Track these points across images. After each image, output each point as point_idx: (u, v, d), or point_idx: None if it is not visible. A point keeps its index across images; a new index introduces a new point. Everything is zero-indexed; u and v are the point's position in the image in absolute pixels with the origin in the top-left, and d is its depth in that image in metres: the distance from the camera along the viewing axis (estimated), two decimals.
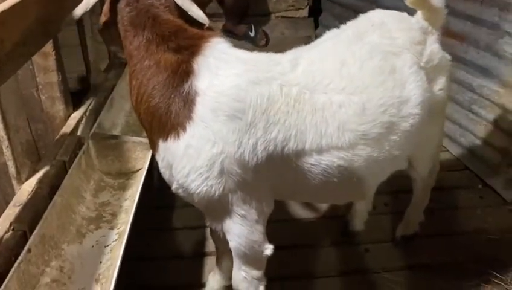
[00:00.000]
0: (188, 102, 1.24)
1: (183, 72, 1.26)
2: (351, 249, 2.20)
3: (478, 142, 2.63)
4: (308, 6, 4.34)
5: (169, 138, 1.28)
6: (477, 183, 2.59)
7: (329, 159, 1.35)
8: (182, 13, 1.34)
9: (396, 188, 2.39)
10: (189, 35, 1.29)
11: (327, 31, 1.66)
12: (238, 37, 4.03)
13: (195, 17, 1.33)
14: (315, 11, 4.35)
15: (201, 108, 1.24)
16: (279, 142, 1.29)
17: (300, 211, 2.40)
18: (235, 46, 1.36)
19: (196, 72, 1.26)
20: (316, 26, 4.31)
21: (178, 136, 1.26)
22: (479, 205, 2.44)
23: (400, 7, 1.71)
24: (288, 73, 1.33)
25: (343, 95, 1.35)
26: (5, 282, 1.17)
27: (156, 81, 1.27)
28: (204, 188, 1.28)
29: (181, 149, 1.26)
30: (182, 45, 1.27)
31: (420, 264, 2.09)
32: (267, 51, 1.46)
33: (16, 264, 1.24)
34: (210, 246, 2.17)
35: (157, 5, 1.32)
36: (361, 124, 1.35)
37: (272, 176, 1.35)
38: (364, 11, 1.71)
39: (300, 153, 1.32)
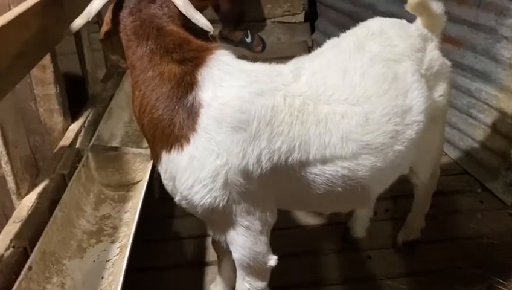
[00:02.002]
0: (192, 113, 1.23)
1: (187, 84, 1.25)
2: (352, 256, 2.19)
3: (477, 146, 2.64)
4: (304, 11, 4.34)
5: (172, 150, 1.27)
6: (476, 187, 2.59)
7: (333, 169, 1.34)
8: (185, 21, 1.34)
9: (396, 193, 2.38)
10: (194, 47, 1.29)
11: (324, 37, 1.65)
12: (234, 43, 4.02)
13: (199, 25, 1.32)
14: (311, 16, 4.35)
15: (205, 119, 1.23)
16: (283, 152, 1.28)
17: (300, 219, 2.38)
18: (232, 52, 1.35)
19: (200, 84, 1.25)
20: (312, 31, 4.31)
21: (182, 147, 1.25)
22: (479, 209, 2.43)
23: (395, 12, 1.71)
24: (291, 84, 1.32)
25: (345, 106, 1.34)
26: None
27: (159, 93, 1.26)
28: (208, 200, 1.27)
29: (185, 161, 1.25)
30: (187, 56, 1.27)
31: (422, 270, 2.08)
32: (264, 56, 1.46)
33: (17, 283, 1.22)
34: (211, 255, 2.15)
35: (161, 15, 1.31)
36: (364, 134, 1.35)
37: (276, 186, 1.35)
38: (360, 16, 1.71)
39: (304, 164, 1.32)
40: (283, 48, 4.09)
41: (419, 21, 1.63)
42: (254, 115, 1.24)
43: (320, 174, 1.34)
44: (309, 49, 4.05)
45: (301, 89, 1.32)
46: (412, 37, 1.56)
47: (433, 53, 1.59)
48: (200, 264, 2.15)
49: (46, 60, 1.68)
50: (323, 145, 1.31)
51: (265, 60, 1.41)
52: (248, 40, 4.08)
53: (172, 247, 2.26)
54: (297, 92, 1.31)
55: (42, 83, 1.72)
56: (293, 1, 4.27)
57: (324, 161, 1.33)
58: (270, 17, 4.34)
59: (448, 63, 1.68)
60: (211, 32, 1.35)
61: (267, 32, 4.30)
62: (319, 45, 1.63)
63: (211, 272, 2.08)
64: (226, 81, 1.26)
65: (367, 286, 2.04)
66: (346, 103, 1.35)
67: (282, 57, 3.88)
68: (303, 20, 4.37)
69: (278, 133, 1.26)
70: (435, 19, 1.63)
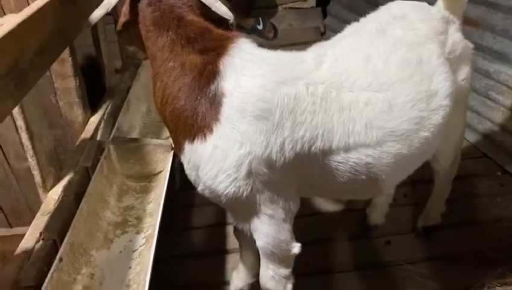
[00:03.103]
0: (215, 103, 1.23)
1: (209, 73, 1.24)
2: (372, 242, 2.19)
3: (496, 128, 2.60)
4: None
5: (195, 140, 1.27)
6: (496, 170, 2.56)
7: (357, 157, 1.34)
8: (205, 10, 1.33)
9: (415, 179, 2.37)
10: (215, 37, 1.28)
11: (336, 22, 1.63)
12: (246, 30, 3.99)
13: (219, 13, 1.32)
14: (322, 1, 4.29)
15: (228, 109, 1.23)
16: (307, 141, 1.28)
17: (319, 206, 2.39)
18: None
19: (222, 73, 1.24)
20: (324, 16, 4.26)
21: (205, 138, 1.25)
22: (499, 192, 2.41)
23: None
24: (313, 71, 1.31)
25: (369, 93, 1.33)
26: None
27: (181, 83, 1.26)
28: (232, 189, 1.27)
29: (208, 151, 1.25)
30: (208, 46, 1.26)
31: (443, 255, 2.08)
32: (276, 43, 1.45)
33: (49, 274, 1.24)
34: (231, 243, 2.17)
35: (180, 5, 1.30)
36: (388, 121, 1.34)
37: (299, 174, 1.34)
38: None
39: (327, 152, 1.31)
40: (295, 34, 4.05)
41: (440, 3, 1.61)
42: (277, 104, 1.23)
43: (344, 162, 1.34)
44: (321, 35, 4.01)
45: (323, 76, 1.31)
46: (434, 19, 1.54)
47: (455, 36, 1.57)
48: (221, 253, 2.17)
49: (65, 53, 1.68)
50: (347, 133, 1.30)
51: (277, 46, 1.39)
52: (260, 27, 4.04)
53: (193, 236, 2.29)
54: (320, 80, 1.30)
55: (62, 76, 1.73)
56: None
57: (348, 149, 1.32)
58: (281, 3, 4.29)
59: (471, 45, 1.65)
60: (231, 21, 1.34)
61: (279, 18, 4.26)
62: (332, 30, 1.61)
63: (232, 260, 2.10)
64: (248, 70, 1.25)
65: (387, 272, 2.04)
66: (370, 89, 1.33)
67: (295, 43, 3.88)
68: (314, 5, 4.31)
69: (300, 121, 1.26)
70: (456, 1, 1.61)
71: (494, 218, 2.24)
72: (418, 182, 2.41)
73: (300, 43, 3.76)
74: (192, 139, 1.28)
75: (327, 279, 2.02)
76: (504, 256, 1.98)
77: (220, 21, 1.35)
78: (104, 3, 1.36)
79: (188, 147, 1.30)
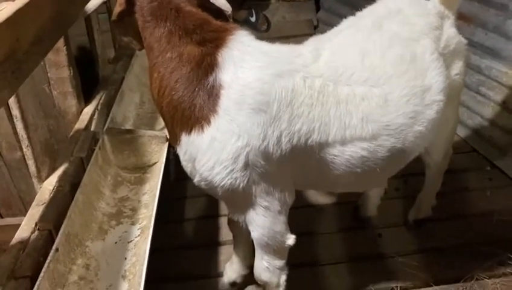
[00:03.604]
0: (213, 95, 1.24)
1: (207, 65, 1.24)
2: (364, 235, 2.21)
3: (486, 123, 2.64)
4: None
5: (193, 132, 1.27)
6: (485, 165, 2.59)
7: (353, 150, 1.35)
8: (202, 1, 1.33)
9: (406, 172, 2.39)
10: (214, 28, 1.28)
11: (329, 15, 1.63)
12: (238, 22, 3.97)
13: (217, 4, 1.32)
14: None
15: (226, 101, 1.23)
16: (303, 134, 1.29)
17: (312, 198, 2.40)
18: None
19: (221, 65, 1.25)
20: (317, 9, 4.25)
21: (202, 129, 1.25)
22: (489, 186, 2.44)
23: None
24: (310, 64, 1.32)
25: (365, 87, 1.34)
26: (37, 283, 1.18)
27: (179, 74, 1.26)
28: (229, 181, 1.28)
29: (205, 142, 1.26)
30: (207, 37, 1.26)
31: (433, 248, 2.10)
32: (269, 35, 1.45)
33: (46, 264, 1.24)
34: (224, 235, 2.18)
35: None
36: (384, 115, 1.35)
37: (295, 167, 1.36)
38: None
39: (324, 145, 1.33)
40: (288, 26, 4.05)
41: None
42: (274, 97, 1.24)
43: (340, 155, 1.35)
44: (314, 28, 4.01)
45: (321, 70, 1.32)
46: (429, 14, 1.55)
47: (450, 31, 1.59)
48: (215, 244, 2.17)
49: (60, 42, 1.67)
50: (343, 127, 1.32)
51: (270, 39, 1.39)
52: (253, 19, 4.02)
53: (186, 227, 2.29)
54: (317, 73, 1.31)
55: (56, 66, 1.71)
56: None
57: (344, 142, 1.34)
58: None
59: (464, 40, 1.67)
60: (229, 12, 1.34)
61: (272, 10, 4.24)
62: (325, 23, 1.62)
63: (225, 251, 2.10)
64: (247, 62, 1.26)
65: (378, 264, 2.06)
66: (366, 84, 1.35)
67: (288, 36, 3.87)
68: None
69: (298, 114, 1.27)
70: None
71: (484, 211, 2.27)
72: (409, 175, 2.44)
73: (293, 36, 3.76)
74: (189, 130, 1.28)
75: (319, 271, 2.04)
76: (493, 249, 2.01)
77: (215, 12, 1.35)
78: None
79: (184, 138, 1.30)
